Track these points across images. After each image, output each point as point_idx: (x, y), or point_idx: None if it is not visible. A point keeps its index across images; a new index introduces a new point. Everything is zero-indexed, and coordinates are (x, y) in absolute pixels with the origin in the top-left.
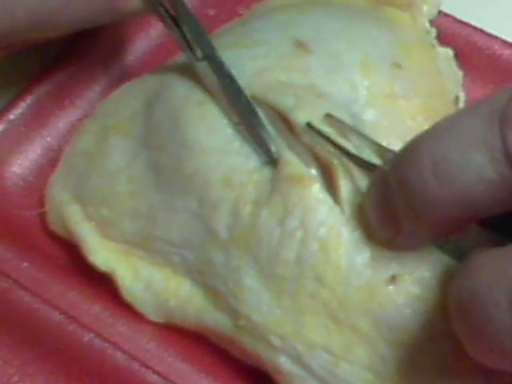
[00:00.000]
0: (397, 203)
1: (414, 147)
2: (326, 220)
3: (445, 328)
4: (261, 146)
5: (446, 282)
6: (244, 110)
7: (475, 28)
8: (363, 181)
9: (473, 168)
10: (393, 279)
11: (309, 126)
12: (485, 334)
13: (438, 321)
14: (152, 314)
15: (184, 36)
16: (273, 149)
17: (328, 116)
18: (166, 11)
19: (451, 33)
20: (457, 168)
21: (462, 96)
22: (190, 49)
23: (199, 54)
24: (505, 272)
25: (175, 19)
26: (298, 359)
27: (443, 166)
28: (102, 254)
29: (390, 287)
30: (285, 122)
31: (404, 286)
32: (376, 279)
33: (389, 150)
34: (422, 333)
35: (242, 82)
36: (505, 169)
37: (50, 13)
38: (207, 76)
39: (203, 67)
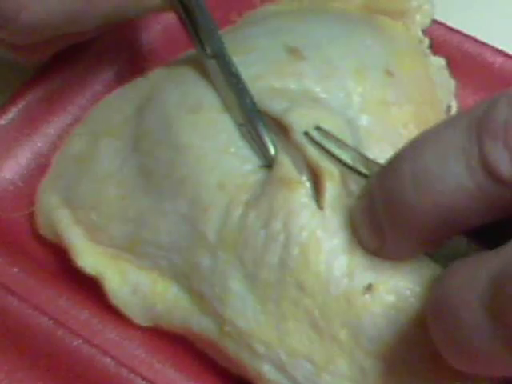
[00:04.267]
0: (381, 215)
1: (396, 159)
2: (307, 224)
3: (422, 338)
4: (261, 148)
5: (422, 290)
6: (249, 111)
7: (467, 36)
8: (356, 189)
9: (451, 178)
10: (369, 288)
11: (306, 134)
12: (456, 336)
13: (415, 331)
14: (139, 318)
15: (197, 32)
16: (271, 151)
17: (318, 128)
18: (183, 7)
19: (443, 40)
20: (436, 178)
21: (454, 105)
22: (201, 45)
23: (209, 50)
24: (475, 275)
25: (190, 15)
26: (281, 368)
27: (423, 176)
28: (90, 257)
29: (367, 296)
30: (280, 126)
31: (379, 295)
32: (353, 288)
33: (375, 163)
34: (399, 343)
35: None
36: (482, 178)
37: (84, 4)
38: (215, 74)
39: (212, 65)
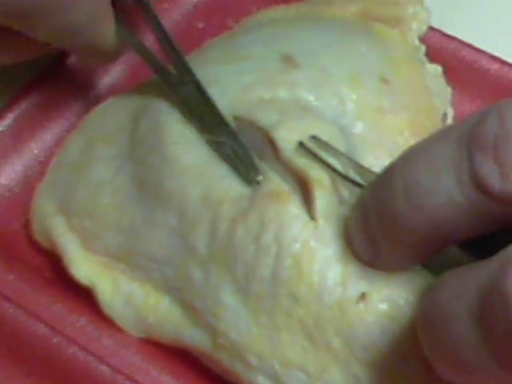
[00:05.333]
0: (374, 227)
1: (389, 171)
2: (299, 235)
3: (415, 347)
4: (242, 165)
5: (415, 299)
6: (224, 133)
7: (463, 42)
8: (349, 196)
9: (442, 191)
10: (362, 297)
11: (301, 144)
12: (446, 347)
13: (408, 340)
14: (132, 329)
15: (158, 60)
16: (252, 170)
17: (313, 137)
18: (140, 45)
19: (439, 47)
20: (427, 191)
21: (450, 113)
22: (167, 71)
23: (178, 77)
24: (465, 286)
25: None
26: (276, 379)
27: (414, 189)
28: (83, 267)
29: (360, 305)
30: (267, 139)
31: (373, 304)
32: (346, 297)
33: (370, 172)
34: (392, 352)
35: (225, 99)
36: (472, 192)
37: (40, 7)
38: (186, 99)
39: (183, 91)
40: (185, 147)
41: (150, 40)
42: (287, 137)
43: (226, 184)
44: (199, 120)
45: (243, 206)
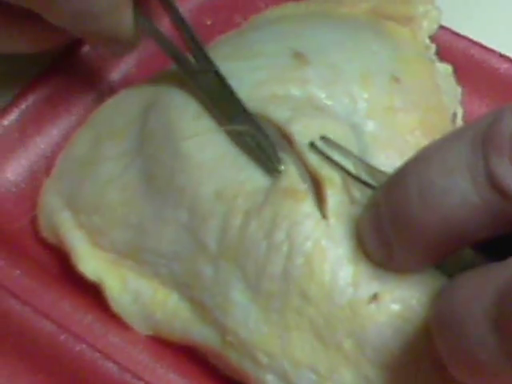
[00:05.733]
0: (387, 228)
1: (403, 172)
2: (311, 234)
3: (427, 348)
4: (263, 157)
5: (428, 300)
6: (246, 122)
7: (473, 41)
8: (360, 196)
9: (457, 192)
10: (374, 297)
11: (312, 145)
12: (461, 348)
13: (421, 341)
14: (139, 326)
15: (179, 50)
16: (277, 161)
17: (324, 138)
18: (159, 34)
19: (448, 46)
20: (441, 192)
21: (460, 112)
22: (188, 62)
23: (197, 66)
24: (482, 288)
25: (168, 41)
26: (285, 378)
27: (429, 190)
28: (91, 263)
29: (372, 306)
30: (282, 135)
31: (385, 304)
32: (358, 297)
33: (381, 172)
34: (404, 353)
35: (240, 95)
36: (487, 192)
37: None
38: (205, 88)
39: (201, 79)
40: (199, 143)
41: (165, 28)
42: (303, 131)
43: (243, 177)
44: (219, 109)
45: (259, 200)
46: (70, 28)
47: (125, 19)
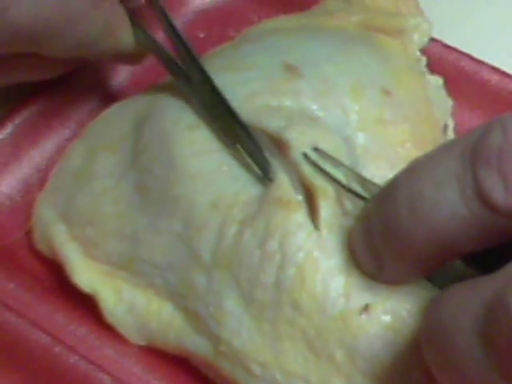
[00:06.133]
0: (378, 240)
1: (393, 184)
2: (304, 245)
3: (418, 359)
4: (255, 167)
5: (418, 312)
6: (239, 132)
7: (463, 53)
8: (352, 208)
9: (446, 205)
10: (366, 309)
11: (305, 156)
12: (450, 361)
13: (411, 352)
14: (133, 337)
15: (177, 61)
16: (270, 170)
17: (316, 149)
18: (156, 45)
19: (439, 58)
20: (431, 205)
21: (451, 124)
22: (183, 73)
23: (192, 77)
24: (470, 301)
25: (164, 51)
26: None
27: (418, 202)
28: (85, 274)
29: (363, 317)
30: (276, 145)
31: (376, 315)
32: (350, 308)
33: (373, 184)
34: (395, 364)
35: (233, 106)
36: (476, 205)
37: (66, 21)
38: (201, 99)
39: (197, 91)
40: (195, 153)
41: (160, 40)
42: (299, 138)
43: (239, 187)
44: (214, 120)
45: (252, 209)
46: (73, 56)
47: (124, 36)
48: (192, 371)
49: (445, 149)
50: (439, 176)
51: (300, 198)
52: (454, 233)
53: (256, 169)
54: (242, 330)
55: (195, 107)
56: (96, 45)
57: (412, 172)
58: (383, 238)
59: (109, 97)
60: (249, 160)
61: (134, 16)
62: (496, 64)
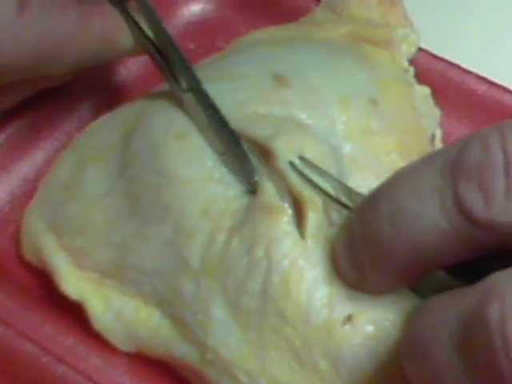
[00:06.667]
0: (360, 250)
1: (375, 195)
2: (289, 253)
3: (400, 369)
4: (244, 175)
5: (401, 322)
6: (228, 140)
7: (451, 63)
8: (338, 219)
9: (426, 217)
10: (349, 319)
11: (291, 164)
12: (428, 373)
13: (394, 361)
14: (122, 344)
15: (170, 68)
16: (255, 178)
17: (301, 158)
18: (153, 45)
19: (427, 68)
20: (411, 217)
21: (439, 134)
22: (176, 80)
23: (184, 85)
24: (447, 313)
25: (161, 51)
26: None
27: (399, 214)
28: (73, 283)
29: (347, 327)
30: (263, 153)
31: (359, 325)
32: (333, 318)
33: (358, 194)
34: (378, 373)
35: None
36: (456, 218)
37: (55, 48)
38: (192, 107)
39: (188, 98)
40: (185, 160)
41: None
42: (284, 146)
43: (230, 195)
44: (204, 127)
45: (240, 217)
46: (78, 69)
47: (123, 41)
48: (180, 382)
49: (427, 160)
50: (420, 188)
51: (286, 205)
52: (435, 245)
53: (244, 177)
54: (228, 338)
55: (184, 115)
56: (97, 56)
57: (394, 183)
58: (365, 248)
59: (98, 108)
60: (236, 168)
61: (131, 15)
62: (483, 74)
